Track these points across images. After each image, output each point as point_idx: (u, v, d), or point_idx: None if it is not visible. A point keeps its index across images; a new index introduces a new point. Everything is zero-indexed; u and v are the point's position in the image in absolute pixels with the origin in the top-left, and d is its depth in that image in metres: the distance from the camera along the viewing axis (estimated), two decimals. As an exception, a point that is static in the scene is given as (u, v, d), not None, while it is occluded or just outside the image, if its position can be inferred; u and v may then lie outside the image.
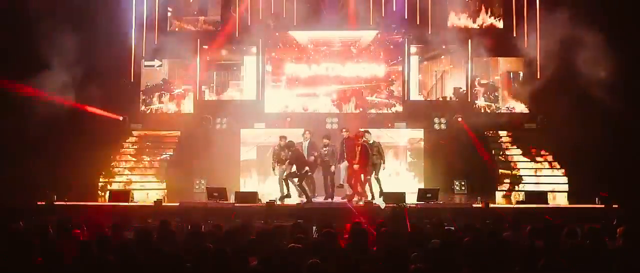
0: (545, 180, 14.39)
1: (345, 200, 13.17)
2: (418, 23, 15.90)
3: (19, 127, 14.20)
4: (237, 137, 15.64)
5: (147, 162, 15.34)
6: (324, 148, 13.28)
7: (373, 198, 13.02)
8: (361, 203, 12.70)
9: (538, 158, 14.90)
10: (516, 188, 14.12)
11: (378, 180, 13.28)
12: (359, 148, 13.03)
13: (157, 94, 16.57)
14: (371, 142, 13.36)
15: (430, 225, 8.74)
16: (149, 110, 16.51)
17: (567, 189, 13.97)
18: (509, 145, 15.47)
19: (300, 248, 6.43)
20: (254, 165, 15.60)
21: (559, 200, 13.71)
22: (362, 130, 13.60)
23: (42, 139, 14.40)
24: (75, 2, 14.84)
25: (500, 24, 16.17)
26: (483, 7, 16.24)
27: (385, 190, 13.10)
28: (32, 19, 14.06)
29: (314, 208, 12.42)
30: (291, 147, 13.00)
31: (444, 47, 16.28)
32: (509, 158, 15.00)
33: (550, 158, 14.86)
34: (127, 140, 15.85)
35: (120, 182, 14.56)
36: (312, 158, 13.18)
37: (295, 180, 12.87)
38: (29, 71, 14.14)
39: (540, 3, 15.43)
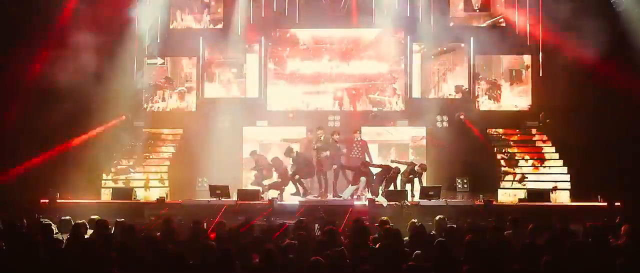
0: (547, 178, 14.37)
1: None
2: (420, 21, 15.89)
3: (22, 125, 14.27)
4: (239, 134, 15.65)
5: (149, 160, 15.35)
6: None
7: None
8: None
9: (540, 156, 14.88)
10: (518, 186, 14.11)
11: None
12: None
13: (159, 91, 16.58)
14: None
15: (432, 223, 8.76)
16: (151, 108, 16.51)
17: (569, 187, 13.95)
18: (511, 142, 15.45)
19: (296, 245, 6.48)
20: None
21: (562, 198, 13.70)
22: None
23: (45, 137, 14.45)
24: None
25: (502, 22, 16.14)
26: (485, 5, 16.22)
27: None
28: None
29: (316, 206, 12.45)
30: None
31: (446, 44, 16.27)
32: (511, 156, 14.98)
33: (552, 156, 14.84)
34: (130, 138, 15.84)
35: (123, 179, 14.57)
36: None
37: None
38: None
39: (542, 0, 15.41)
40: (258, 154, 14.20)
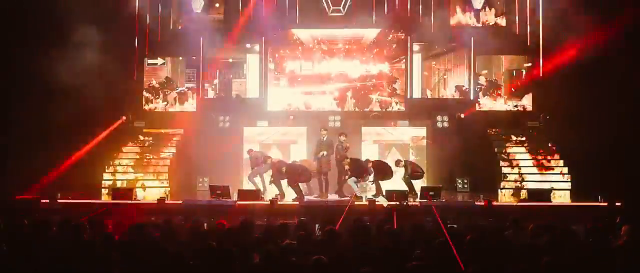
0: (548, 178, 14.35)
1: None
2: (421, 21, 15.90)
3: (24, 125, 14.27)
4: (240, 134, 15.65)
5: (150, 160, 15.34)
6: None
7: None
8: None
9: (541, 157, 14.86)
10: (519, 186, 14.09)
11: None
12: None
13: (160, 92, 16.58)
14: None
15: (432, 223, 8.74)
16: (152, 108, 16.52)
17: (570, 187, 13.93)
18: (511, 143, 15.44)
19: (294, 245, 6.48)
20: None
21: (562, 198, 13.68)
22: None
23: (46, 137, 14.45)
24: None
25: (503, 22, 16.15)
26: (486, 5, 16.22)
27: (388, 188, 13.15)
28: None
29: (317, 206, 12.46)
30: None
31: (446, 45, 16.27)
32: (512, 157, 14.96)
33: (553, 156, 14.83)
34: (130, 138, 15.85)
35: (123, 180, 14.57)
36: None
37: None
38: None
39: (543, 0, 15.40)
40: (254, 151, 14.36)
